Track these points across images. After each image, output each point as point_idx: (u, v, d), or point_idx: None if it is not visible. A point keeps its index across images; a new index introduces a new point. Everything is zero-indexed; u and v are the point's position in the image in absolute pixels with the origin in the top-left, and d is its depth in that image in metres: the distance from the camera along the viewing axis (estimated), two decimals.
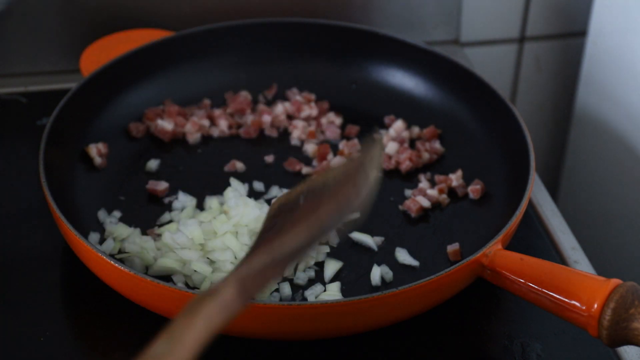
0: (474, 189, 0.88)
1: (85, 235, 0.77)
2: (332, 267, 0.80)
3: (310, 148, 0.95)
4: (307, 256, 0.79)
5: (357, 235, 0.83)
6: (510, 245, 0.78)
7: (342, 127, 0.98)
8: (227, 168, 0.92)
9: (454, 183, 0.89)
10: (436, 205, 0.88)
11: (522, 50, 1.22)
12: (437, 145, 0.94)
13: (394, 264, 0.81)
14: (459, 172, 0.90)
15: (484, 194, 0.88)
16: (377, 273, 0.79)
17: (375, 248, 0.82)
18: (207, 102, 0.99)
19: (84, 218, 0.83)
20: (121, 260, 0.76)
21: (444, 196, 0.88)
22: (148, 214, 0.85)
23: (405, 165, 0.92)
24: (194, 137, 0.95)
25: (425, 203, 0.87)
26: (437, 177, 0.90)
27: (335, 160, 0.92)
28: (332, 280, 0.79)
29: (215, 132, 0.96)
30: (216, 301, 0.55)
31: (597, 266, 0.87)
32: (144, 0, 1.06)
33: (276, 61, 1.03)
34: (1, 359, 0.72)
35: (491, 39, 1.21)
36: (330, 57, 1.03)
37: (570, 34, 1.23)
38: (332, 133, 0.97)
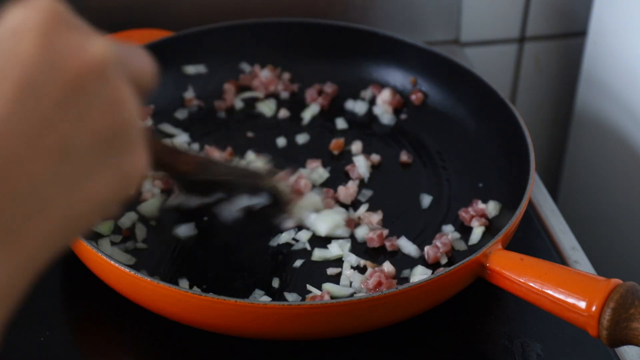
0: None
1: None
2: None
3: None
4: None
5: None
6: (510, 245, 0.78)
7: None
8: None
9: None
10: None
11: (522, 50, 1.22)
12: None
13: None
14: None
15: (484, 194, 0.88)
16: None
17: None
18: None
19: None
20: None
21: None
22: None
23: None
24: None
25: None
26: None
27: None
28: None
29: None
30: None
31: (597, 266, 0.87)
32: (144, 0, 1.06)
33: (276, 61, 1.03)
34: (1, 359, 0.72)
35: (491, 39, 1.21)
36: (330, 57, 1.03)
37: (570, 34, 1.23)
38: None
